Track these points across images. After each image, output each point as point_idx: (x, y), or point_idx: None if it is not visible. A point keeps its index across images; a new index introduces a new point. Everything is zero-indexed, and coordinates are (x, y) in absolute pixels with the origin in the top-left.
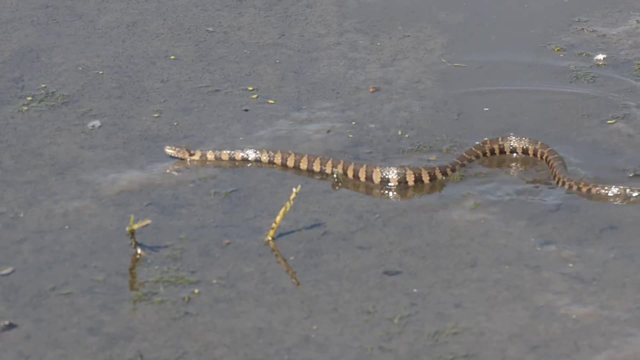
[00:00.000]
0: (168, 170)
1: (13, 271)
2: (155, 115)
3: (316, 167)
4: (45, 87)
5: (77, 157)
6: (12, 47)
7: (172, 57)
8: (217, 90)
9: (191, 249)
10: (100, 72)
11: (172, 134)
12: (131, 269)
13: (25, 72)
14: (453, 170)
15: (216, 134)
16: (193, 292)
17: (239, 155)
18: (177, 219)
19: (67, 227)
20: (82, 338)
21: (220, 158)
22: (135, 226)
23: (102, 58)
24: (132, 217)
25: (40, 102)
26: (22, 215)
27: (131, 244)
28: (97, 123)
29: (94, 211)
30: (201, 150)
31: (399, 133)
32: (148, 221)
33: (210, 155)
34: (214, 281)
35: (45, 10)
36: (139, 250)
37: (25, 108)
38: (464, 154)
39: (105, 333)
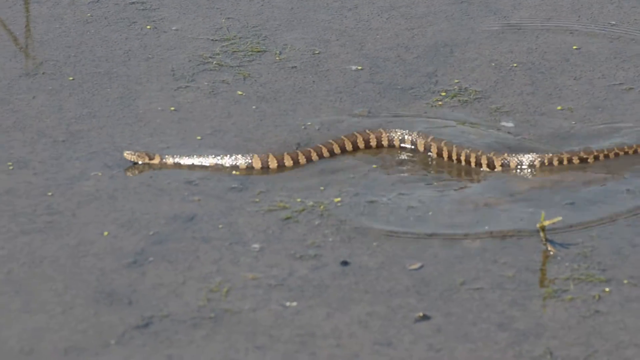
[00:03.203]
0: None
1: (421, 267)
2: (562, 110)
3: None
4: (458, 82)
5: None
6: (427, 42)
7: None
8: (630, 88)
9: (602, 247)
10: (514, 66)
11: (585, 132)
12: (541, 266)
13: (439, 67)
14: None
15: (628, 134)
16: (604, 291)
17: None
18: (588, 216)
19: (477, 222)
20: (491, 333)
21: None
22: (546, 223)
23: (515, 54)
24: (543, 213)
25: (453, 97)
26: (430, 213)
27: (542, 240)
28: (509, 124)
29: (505, 207)
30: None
31: None
32: (559, 218)
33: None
34: (625, 281)
35: (459, 5)
36: (549, 247)
37: (440, 103)
38: None
39: (515, 329)
